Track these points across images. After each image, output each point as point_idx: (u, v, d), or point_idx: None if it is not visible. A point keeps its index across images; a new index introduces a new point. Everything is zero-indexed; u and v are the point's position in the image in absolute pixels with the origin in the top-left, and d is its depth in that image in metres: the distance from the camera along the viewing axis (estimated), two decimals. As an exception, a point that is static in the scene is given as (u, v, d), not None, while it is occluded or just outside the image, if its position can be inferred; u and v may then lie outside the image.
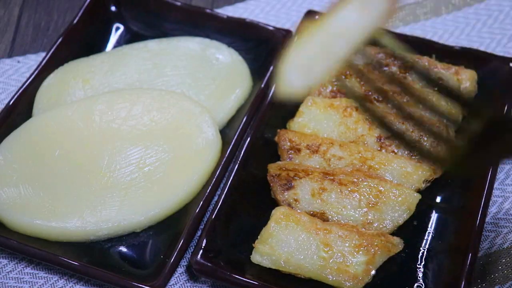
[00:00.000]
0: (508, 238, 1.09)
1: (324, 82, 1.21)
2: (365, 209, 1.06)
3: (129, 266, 1.05)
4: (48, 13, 1.46)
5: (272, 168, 1.11)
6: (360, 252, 1.00)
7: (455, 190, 1.11)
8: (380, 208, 1.06)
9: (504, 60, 1.21)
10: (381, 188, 1.06)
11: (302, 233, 1.02)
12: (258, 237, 1.04)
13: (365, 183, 1.07)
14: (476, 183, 1.08)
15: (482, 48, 1.32)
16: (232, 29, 1.31)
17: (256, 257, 1.03)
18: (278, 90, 0.59)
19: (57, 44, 1.28)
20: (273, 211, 1.05)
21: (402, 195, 1.06)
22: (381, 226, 1.05)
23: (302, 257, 1.01)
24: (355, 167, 1.10)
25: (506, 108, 1.15)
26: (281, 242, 1.02)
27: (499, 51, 1.31)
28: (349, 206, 1.06)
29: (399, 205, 1.05)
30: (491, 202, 1.11)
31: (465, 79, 1.19)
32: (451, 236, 1.06)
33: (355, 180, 1.07)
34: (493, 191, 1.11)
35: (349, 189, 1.07)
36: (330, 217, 1.06)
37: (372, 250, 1.00)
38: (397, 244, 1.03)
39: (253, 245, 1.03)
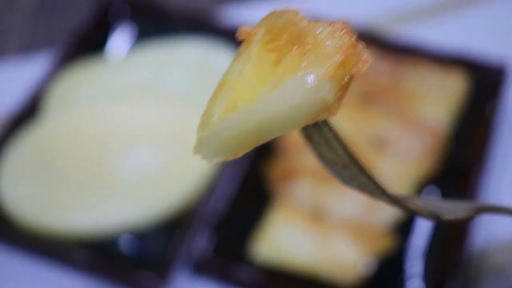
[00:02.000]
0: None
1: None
2: (364, 207, 1.07)
3: (130, 265, 1.06)
4: (55, 16, 1.47)
5: (271, 166, 1.13)
6: (356, 246, 1.01)
7: (449, 191, 1.12)
8: (379, 204, 1.05)
9: (498, 63, 1.22)
10: None
11: (302, 230, 1.03)
12: (260, 231, 1.05)
13: None
14: (470, 184, 1.09)
15: (477, 52, 1.31)
16: (234, 35, 1.31)
17: (256, 251, 1.04)
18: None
19: (63, 47, 1.30)
20: (276, 207, 1.07)
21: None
22: (380, 222, 1.05)
23: (300, 253, 1.02)
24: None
25: (499, 110, 1.17)
26: (282, 237, 1.03)
27: (494, 54, 1.31)
28: (347, 204, 1.07)
29: None
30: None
31: (459, 81, 1.20)
32: (446, 232, 1.06)
33: None
34: (487, 192, 1.13)
35: None
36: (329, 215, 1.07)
37: (366, 244, 1.01)
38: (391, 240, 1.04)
39: (254, 239, 1.04)
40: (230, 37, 1.33)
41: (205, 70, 1.28)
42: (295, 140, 1.14)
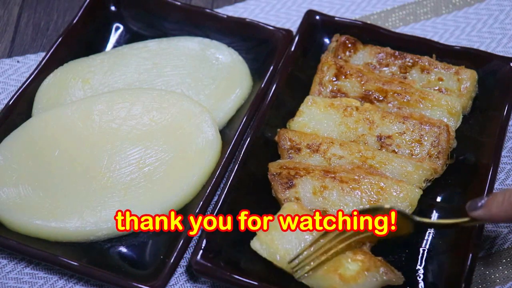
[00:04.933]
0: (509, 239, 1.09)
1: (324, 82, 1.21)
2: (367, 206, 1.05)
3: (129, 267, 1.05)
4: (47, 13, 1.45)
5: (273, 166, 1.11)
6: (357, 264, 0.98)
7: (456, 189, 1.11)
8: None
9: (505, 60, 1.21)
10: (382, 184, 1.06)
11: (305, 235, 1.01)
12: (261, 233, 1.03)
13: (366, 180, 1.06)
14: (477, 183, 1.08)
15: (482, 48, 1.31)
16: (232, 29, 1.31)
17: (255, 244, 1.02)
18: None
19: (56, 44, 1.27)
20: (285, 205, 1.05)
21: (404, 191, 1.05)
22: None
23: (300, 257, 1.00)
24: (356, 165, 1.09)
25: (506, 108, 1.15)
26: (283, 237, 1.01)
27: (499, 51, 1.31)
28: (351, 204, 1.06)
29: (400, 201, 1.05)
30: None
31: (465, 79, 1.19)
32: (451, 236, 1.06)
33: (356, 177, 1.07)
34: (493, 191, 1.10)
35: (350, 186, 1.06)
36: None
37: (368, 264, 0.98)
38: (399, 276, 0.99)
39: (256, 232, 1.02)
40: (227, 34, 1.31)
41: (202, 67, 1.25)
42: (296, 142, 1.13)
